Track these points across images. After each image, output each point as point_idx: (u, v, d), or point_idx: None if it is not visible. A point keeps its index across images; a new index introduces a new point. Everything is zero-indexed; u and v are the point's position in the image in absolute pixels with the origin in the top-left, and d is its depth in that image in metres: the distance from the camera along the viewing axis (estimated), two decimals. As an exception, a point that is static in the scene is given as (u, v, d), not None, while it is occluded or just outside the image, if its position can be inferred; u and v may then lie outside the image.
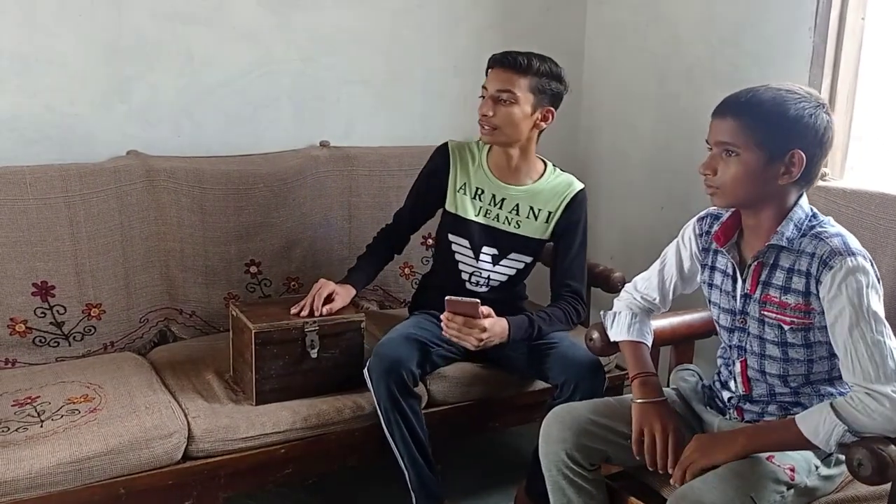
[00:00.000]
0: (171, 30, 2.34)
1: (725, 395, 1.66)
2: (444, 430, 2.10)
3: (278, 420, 1.94)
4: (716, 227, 1.62)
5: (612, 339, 1.81)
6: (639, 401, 1.65)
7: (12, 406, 1.87)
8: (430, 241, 2.55)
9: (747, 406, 1.62)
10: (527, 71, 2.00)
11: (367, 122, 2.68)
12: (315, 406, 1.99)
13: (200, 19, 2.37)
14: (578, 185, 2.15)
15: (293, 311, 2.04)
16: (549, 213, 2.12)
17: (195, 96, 2.41)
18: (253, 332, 1.96)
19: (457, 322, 1.91)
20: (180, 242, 2.31)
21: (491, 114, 2.03)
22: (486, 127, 2.05)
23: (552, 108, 2.07)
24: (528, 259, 2.18)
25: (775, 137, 1.45)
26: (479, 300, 1.92)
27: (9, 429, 1.78)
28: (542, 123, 2.08)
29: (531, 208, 2.12)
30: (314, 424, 1.96)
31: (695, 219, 1.70)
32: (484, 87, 2.07)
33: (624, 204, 2.94)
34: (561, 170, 2.19)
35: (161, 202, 2.27)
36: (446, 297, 1.92)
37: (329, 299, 2.08)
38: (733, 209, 1.58)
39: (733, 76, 2.40)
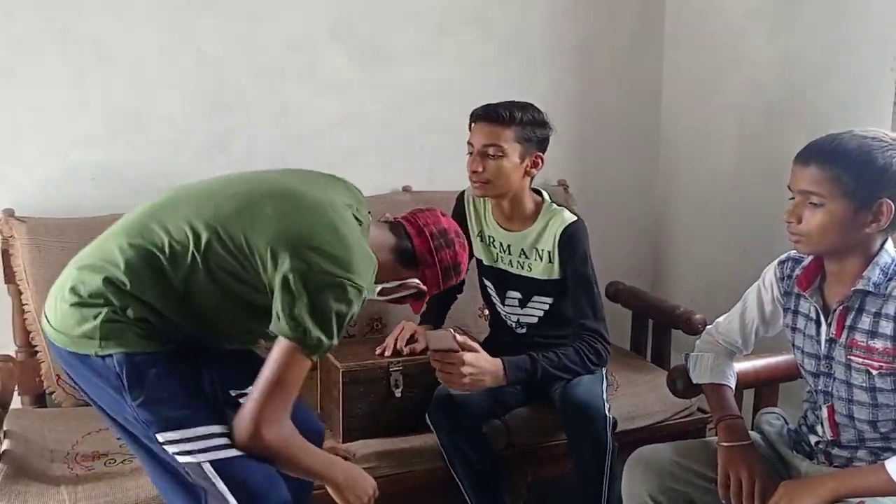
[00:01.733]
0: (267, 85, 2.49)
1: (812, 439, 1.64)
2: (519, 469, 2.14)
3: (366, 456, 2.00)
4: (798, 271, 1.62)
5: (694, 382, 1.82)
6: (725, 444, 1.64)
7: (118, 440, 1.99)
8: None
9: (835, 451, 1.60)
10: (510, 122, 2.00)
11: (448, 167, 2.76)
12: (398, 444, 2.05)
13: (294, 75, 2.52)
14: (569, 219, 2.07)
15: (377, 351, 2.11)
16: (549, 252, 2.09)
17: (288, 147, 2.54)
18: (341, 371, 2.04)
19: (436, 360, 1.86)
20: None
21: (480, 169, 2.02)
22: (478, 182, 2.05)
23: (540, 154, 2.06)
24: (550, 300, 2.15)
25: (863, 188, 1.43)
26: (450, 330, 1.88)
27: (115, 461, 1.90)
28: (533, 170, 2.07)
29: (536, 250, 2.11)
30: (398, 462, 2.02)
31: (776, 262, 1.70)
32: (469, 142, 2.07)
33: (704, 246, 2.93)
34: (557, 204, 2.14)
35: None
36: (426, 332, 1.98)
37: (412, 339, 2.15)
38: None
39: (815, 118, 2.40)
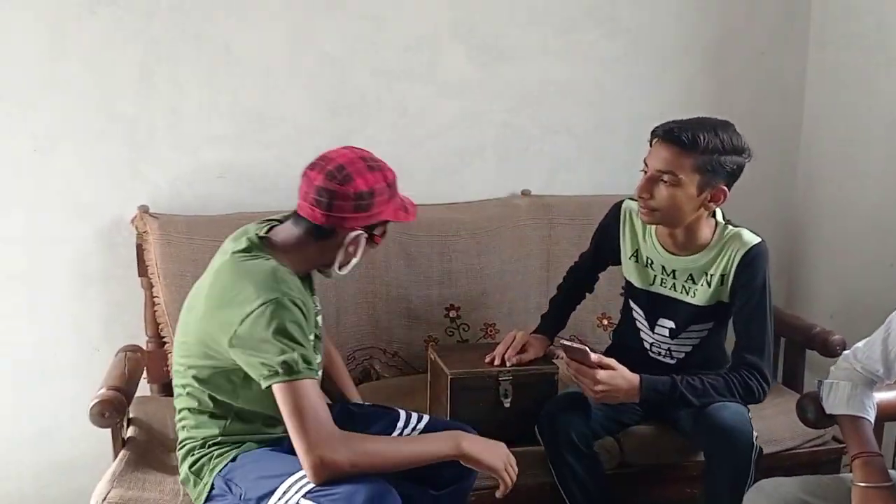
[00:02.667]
0: (387, 86, 2.50)
1: (962, 483, 1.47)
2: (632, 491, 2.05)
3: (471, 466, 1.96)
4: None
5: (827, 412, 1.67)
6: (861, 484, 1.50)
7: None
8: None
9: None
10: (693, 148, 1.77)
11: (569, 171, 2.69)
12: (506, 456, 2.00)
13: (414, 75, 2.51)
14: (751, 241, 1.88)
15: (487, 359, 2.07)
16: (723, 276, 1.90)
17: (406, 148, 2.54)
18: (449, 377, 2.02)
19: (573, 367, 1.82)
20: (386, 286, 2.43)
21: (648, 195, 1.83)
22: (645, 209, 1.87)
23: (726, 187, 1.83)
24: (709, 325, 2.00)
25: None
26: (587, 349, 1.81)
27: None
28: (712, 204, 1.85)
29: (706, 275, 1.92)
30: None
31: None
32: (645, 161, 1.87)
33: (847, 259, 2.71)
34: (733, 225, 1.94)
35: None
36: (561, 342, 1.88)
37: (522, 350, 2.09)
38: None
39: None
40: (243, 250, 1.62)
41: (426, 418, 1.86)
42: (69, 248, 2.34)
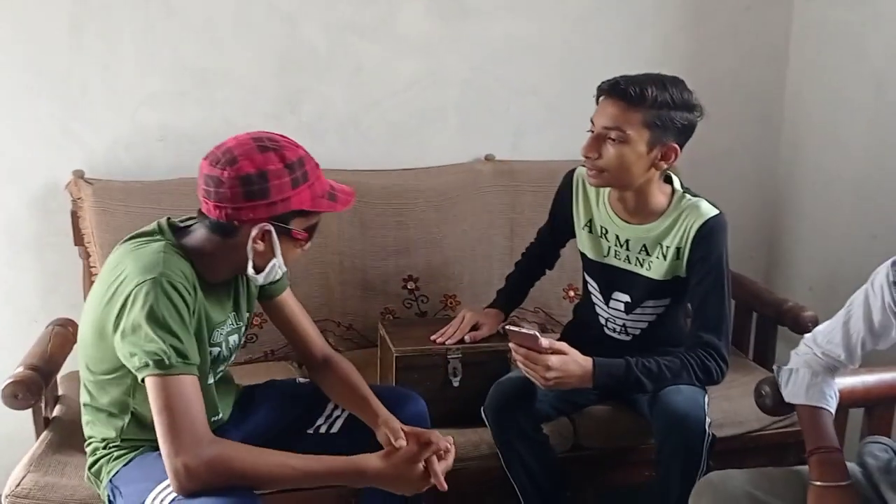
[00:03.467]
0: (341, 41, 2.34)
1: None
2: (586, 476, 1.94)
3: (415, 448, 1.86)
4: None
5: (786, 400, 1.55)
6: (817, 483, 1.39)
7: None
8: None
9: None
10: (639, 102, 1.65)
11: (536, 135, 2.54)
12: (453, 437, 1.88)
13: (369, 30, 2.35)
14: (709, 213, 1.75)
15: (433, 337, 1.95)
16: (678, 248, 1.78)
17: (362, 108, 2.40)
18: (395, 355, 1.91)
19: (520, 354, 1.67)
20: (339, 255, 2.31)
21: (595, 155, 1.70)
22: (592, 170, 1.74)
23: (677, 145, 1.71)
24: (666, 302, 1.88)
25: None
26: (537, 333, 1.64)
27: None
28: (663, 163, 1.72)
29: (661, 246, 1.80)
30: (451, 457, 1.86)
31: (889, 262, 1.40)
32: (592, 120, 1.74)
33: (828, 229, 2.58)
34: (691, 194, 1.81)
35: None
36: (507, 328, 1.72)
37: (475, 327, 1.98)
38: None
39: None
40: (144, 234, 1.48)
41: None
42: (1, 213, 2.21)
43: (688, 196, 1.81)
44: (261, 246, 1.44)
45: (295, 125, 2.35)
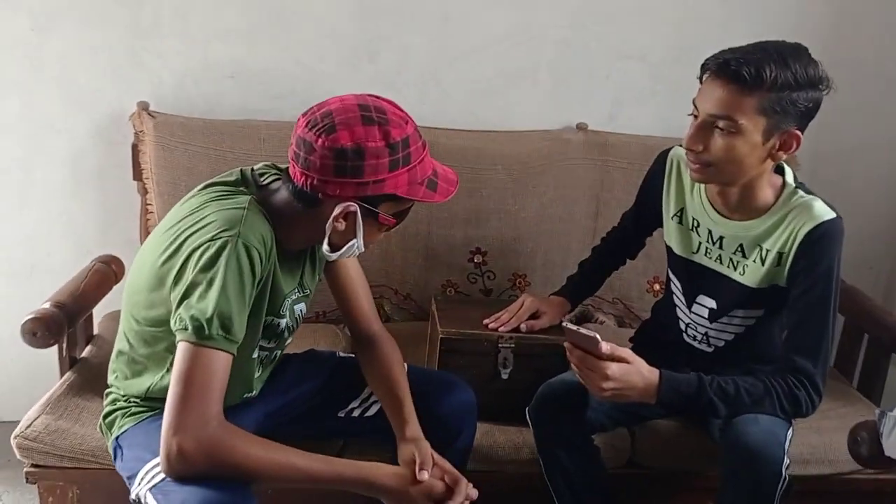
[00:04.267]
0: (428, -13, 2.14)
1: None
2: (639, 497, 1.73)
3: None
4: None
5: (886, 453, 1.28)
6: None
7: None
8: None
9: None
10: (756, 86, 1.36)
11: (637, 106, 2.27)
12: (493, 434, 1.71)
13: (461, -24, 2.14)
14: (822, 215, 1.46)
15: (486, 321, 1.76)
16: (780, 254, 1.51)
17: (446, 61, 2.20)
18: (440, 336, 1.73)
19: (575, 357, 1.43)
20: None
21: (700, 147, 1.43)
22: (696, 164, 1.46)
23: (798, 131, 1.42)
24: (759, 313, 1.61)
25: None
26: (597, 336, 1.38)
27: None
28: (781, 154, 1.44)
29: (760, 248, 1.54)
30: (487, 457, 1.69)
31: None
32: (694, 103, 1.45)
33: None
34: (805, 191, 1.52)
35: (389, 173, 2.12)
36: (563, 324, 1.47)
37: (535, 315, 1.77)
38: None
39: None
40: (226, 183, 1.35)
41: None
42: (65, 141, 2.15)
43: (800, 192, 1.52)
44: (342, 225, 1.29)
45: (371, 74, 2.19)
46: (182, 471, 1.17)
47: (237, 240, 1.21)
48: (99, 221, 2.22)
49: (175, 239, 1.26)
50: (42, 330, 1.58)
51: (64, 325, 1.63)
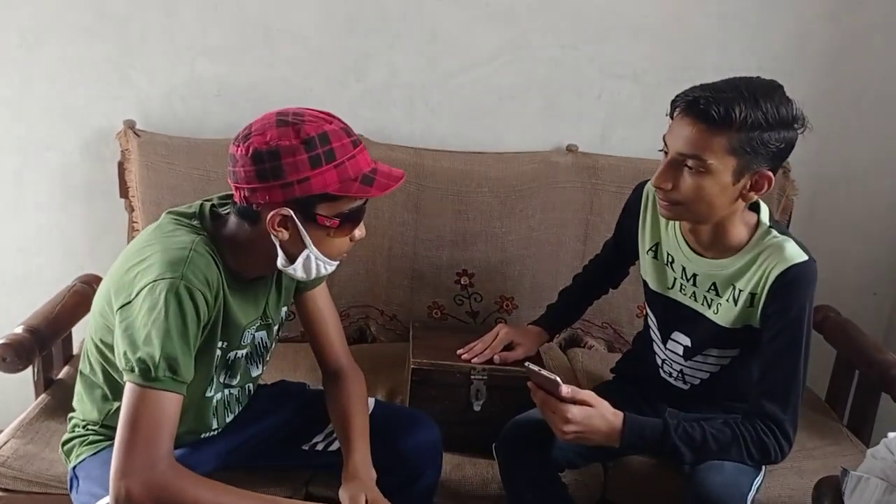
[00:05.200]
0: (416, 4, 2.10)
1: None
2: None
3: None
4: None
5: (848, 513, 1.24)
6: None
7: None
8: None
9: None
10: (725, 126, 1.32)
11: (629, 128, 2.22)
12: (462, 468, 1.69)
13: (450, -7, 2.11)
14: (794, 258, 1.42)
15: (459, 351, 1.74)
16: (753, 294, 1.47)
17: (433, 80, 2.17)
18: (411, 367, 1.71)
19: (538, 398, 1.41)
20: (389, 240, 2.12)
21: (669, 186, 1.40)
22: (664, 202, 1.43)
23: (769, 172, 1.37)
24: (734, 353, 1.57)
25: None
26: (558, 379, 1.37)
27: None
28: (752, 194, 1.40)
29: (733, 287, 1.50)
30: (454, 492, 1.66)
31: None
32: (664, 139, 1.42)
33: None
34: (779, 231, 1.48)
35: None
36: (525, 364, 1.44)
37: (510, 346, 1.75)
38: None
39: None
40: (184, 214, 1.35)
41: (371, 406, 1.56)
42: (55, 156, 2.17)
43: (773, 233, 1.48)
44: (284, 234, 1.27)
45: (359, 92, 2.16)
46: None
47: (180, 282, 1.20)
48: (89, 236, 2.23)
49: (127, 271, 1.26)
50: (11, 355, 1.59)
51: (35, 350, 1.63)
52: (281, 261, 1.31)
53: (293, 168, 1.20)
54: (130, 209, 2.11)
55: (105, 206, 2.19)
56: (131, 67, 2.11)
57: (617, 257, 1.82)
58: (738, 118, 1.31)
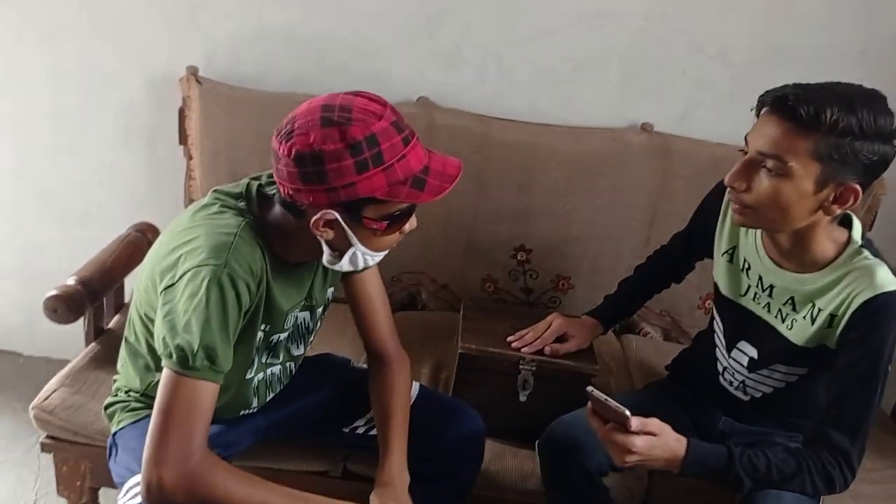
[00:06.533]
0: (496, -38, 1.99)
1: None
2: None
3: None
4: None
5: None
6: None
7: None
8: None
9: None
10: (812, 127, 1.22)
11: (712, 109, 2.09)
12: (503, 458, 1.66)
13: (533, -48, 1.97)
14: (885, 285, 1.31)
15: (510, 339, 1.68)
16: (833, 316, 1.37)
17: (507, 45, 2.06)
18: (459, 351, 1.66)
19: (598, 426, 1.32)
20: (447, 209, 2.05)
21: (743, 186, 1.30)
22: (736, 204, 1.34)
23: (857, 185, 1.26)
24: (803, 371, 1.48)
25: None
26: (627, 412, 1.27)
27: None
28: (835, 207, 1.29)
29: (813, 305, 1.40)
30: (493, 481, 1.63)
31: None
32: (746, 138, 1.32)
33: None
34: (871, 250, 1.36)
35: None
36: (589, 390, 1.33)
37: (562, 338, 1.69)
38: None
39: None
40: (231, 194, 1.30)
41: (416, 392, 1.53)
42: (118, 95, 2.14)
43: (865, 253, 1.36)
44: (330, 234, 1.22)
45: (429, 50, 2.07)
46: (160, 503, 1.16)
47: (223, 270, 1.16)
48: (148, 179, 2.23)
49: (170, 252, 1.23)
50: (62, 308, 1.59)
51: (86, 302, 1.64)
52: (327, 257, 1.26)
53: (338, 174, 1.13)
54: (189, 157, 2.09)
55: (165, 151, 2.17)
56: (198, 8, 2.05)
57: (686, 253, 1.73)
58: (828, 120, 1.20)
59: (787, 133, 1.24)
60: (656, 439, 1.31)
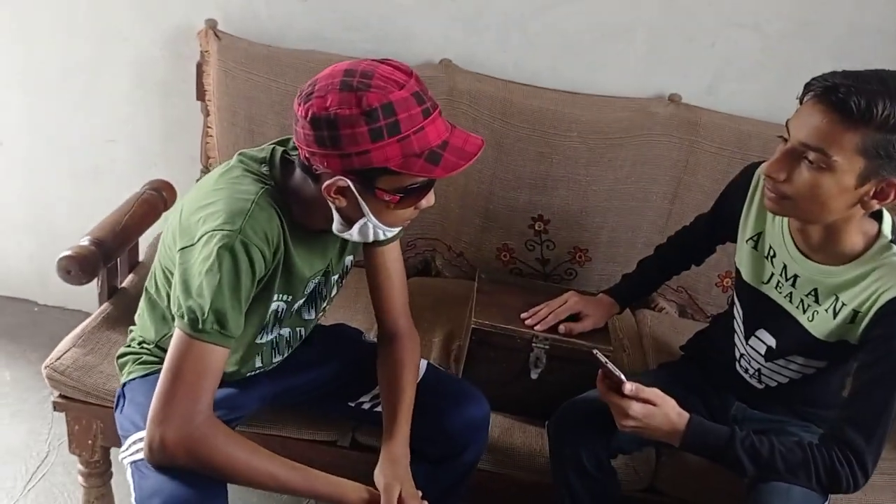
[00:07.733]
0: (524, -78, 1.91)
1: None
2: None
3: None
4: None
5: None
6: None
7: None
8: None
9: None
10: (862, 121, 1.17)
11: (741, 81, 2.02)
12: (511, 434, 1.65)
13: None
14: None
15: (523, 315, 1.67)
16: (856, 312, 1.34)
17: (531, 11, 2.00)
18: (472, 327, 1.65)
19: (602, 386, 1.36)
20: (465, 176, 2.02)
21: (782, 176, 1.26)
22: (772, 194, 1.30)
23: None
24: (821, 364, 1.45)
25: None
26: (622, 376, 1.32)
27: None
28: (874, 202, 1.25)
29: (836, 298, 1.37)
30: (501, 458, 1.63)
31: None
32: (787, 125, 1.27)
33: None
34: None
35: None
36: (594, 352, 1.37)
37: (577, 317, 1.67)
38: None
39: None
40: (255, 159, 1.28)
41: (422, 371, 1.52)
42: (132, 49, 2.10)
43: (894, 249, 1.32)
44: (342, 202, 1.20)
45: (452, 12, 2.02)
46: (162, 461, 1.18)
47: (237, 237, 1.16)
48: (163, 134, 2.20)
49: (193, 212, 1.22)
50: (76, 269, 1.58)
51: (100, 262, 1.62)
52: (337, 224, 1.24)
53: (351, 140, 1.11)
54: (206, 113, 2.06)
55: (181, 106, 2.14)
56: (219, -41, 2.00)
57: (708, 235, 1.69)
58: (880, 115, 1.16)
59: (833, 126, 1.19)
60: (656, 409, 1.33)
